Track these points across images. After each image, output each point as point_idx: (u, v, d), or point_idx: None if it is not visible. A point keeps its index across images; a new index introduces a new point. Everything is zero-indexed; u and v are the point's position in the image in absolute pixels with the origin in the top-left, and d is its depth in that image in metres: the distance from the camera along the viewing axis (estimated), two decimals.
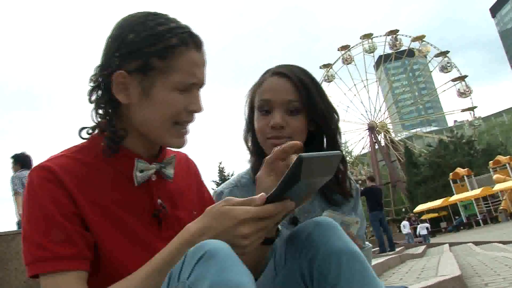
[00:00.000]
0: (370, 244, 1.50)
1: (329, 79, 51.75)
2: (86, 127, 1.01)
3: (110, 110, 0.98)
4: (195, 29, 0.98)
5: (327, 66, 52.72)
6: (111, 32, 0.99)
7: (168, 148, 1.11)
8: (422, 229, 22.69)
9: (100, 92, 0.99)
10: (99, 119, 1.00)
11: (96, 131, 1.01)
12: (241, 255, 0.82)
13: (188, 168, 1.20)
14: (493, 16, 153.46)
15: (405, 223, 22.34)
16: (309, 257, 0.95)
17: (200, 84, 1.01)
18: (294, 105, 1.29)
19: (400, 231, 29.62)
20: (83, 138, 1.01)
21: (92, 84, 0.99)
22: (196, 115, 1.03)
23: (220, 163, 41.48)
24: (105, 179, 0.97)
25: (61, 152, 0.99)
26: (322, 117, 1.32)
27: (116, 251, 0.93)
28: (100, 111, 0.99)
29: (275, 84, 1.31)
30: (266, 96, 1.31)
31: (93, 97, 0.99)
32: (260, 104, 1.32)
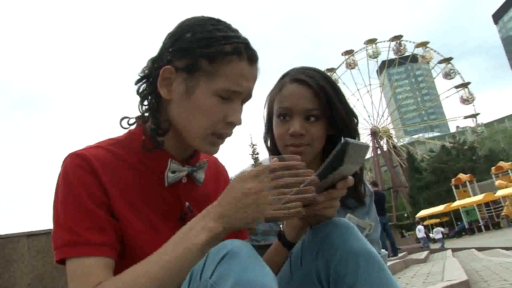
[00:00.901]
0: (385, 251, 1.50)
1: None
2: (127, 117, 1.02)
3: (154, 103, 0.99)
4: (254, 44, 0.98)
5: (330, 70, 52.72)
6: (172, 29, 1.01)
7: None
8: (437, 233, 22.86)
9: (146, 84, 1.00)
10: (143, 111, 1.01)
11: (134, 126, 1.02)
12: (259, 221, 0.85)
13: (218, 173, 1.18)
14: (496, 22, 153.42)
15: (420, 227, 22.60)
16: (326, 258, 0.95)
17: (245, 96, 1.00)
18: (314, 113, 1.28)
19: (403, 236, 29.56)
20: (123, 128, 1.02)
21: (141, 74, 1.01)
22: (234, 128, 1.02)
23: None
24: (137, 175, 0.97)
25: (97, 143, 0.99)
26: (342, 123, 1.31)
27: (142, 245, 0.93)
28: (146, 103, 1.01)
29: (295, 92, 1.30)
30: (285, 103, 1.30)
31: (140, 88, 1.01)
32: (279, 111, 1.32)
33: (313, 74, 1.32)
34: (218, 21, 1.00)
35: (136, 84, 1.01)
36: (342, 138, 0.83)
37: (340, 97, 1.33)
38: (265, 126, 1.41)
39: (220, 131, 0.98)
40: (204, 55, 0.93)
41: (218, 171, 1.19)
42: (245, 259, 0.75)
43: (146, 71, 1.00)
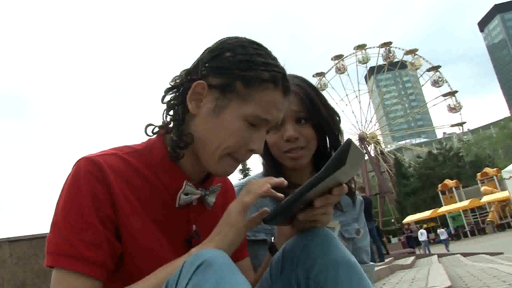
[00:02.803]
0: (373, 263, 1.51)
1: (321, 88, 51.99)
2: (152, 125, 1.01)
3: (180, 114, 0.97)
4: (289, 76, 1.02)
5: (320, 74, 53.10)
6: (212, 44, 1.00)
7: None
8: (442, 234, 23.35)
9: (176, 95, 0.99)
10: (167, 121, 1.00)
11: (155, 137, 1.01)
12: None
13: (226, 193, 1.16)
14: (481, 30, 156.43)
15: (422, 231, 23.43)
16: (306, 267, 0.95)
17: (271, 125, 0.99)
18: (301, 115, 1.34)
19: (390, 241, 29.93)
20: (148, 135, 1.01)
21: (172, 83, 1.01)
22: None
23: None
24: (150, 190, 0.96)
25: (113, 149, 0.97)
26: (326, 123, 1.37)
27: (144, 261, 0.91)
28: (171, 113, 0.99)
29: None
30: None
31: (168, 98, 1.00)
32: None
33: (295, 81, 1.38)
34: (260, 45, 0.99)
35: (165, 92, 1.00)
36: (348, 138, 0.85)
37: (321, 99, 1.39)
38: None
39: (239, 156, 0.97)
40: (240, 78, 0.93)
41: (226, 189, 1.17)
42: (220, 269, 0.75)
43: (177, 81, 0.99)
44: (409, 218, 38.28)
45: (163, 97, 1.01)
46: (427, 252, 19.49)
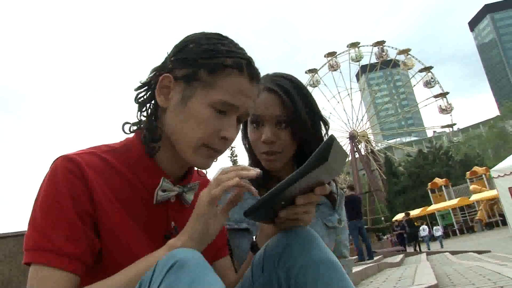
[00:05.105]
0: (350, 257, 1.54)
1: (314, 84, 52.16)
2: (129, 123, 1.02)
3: (151, 110, 1.00)
4: (257, 64, 1.01)
5: (312, 71, 53.15)
6: (179, 41, 1.02)
7: (195, 169, 1.10)
8: (437, 231, 23.57)
9: (146, 92, 1.01)
10: (142, 118, 1.01)
11: (133, 135, 1.01)
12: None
13: None
14: (472, 30, 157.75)
15: (424, 227, 23.72)
16: (287, 267, 0.95)
17: (241, 112, 0.98)
18: (283, 119, 1.33)
19: (380, 239, 30.22)
20: (125, 133, 1.01)
21: (142, 81, 1.02)
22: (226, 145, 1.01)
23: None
24: (128, 188, 0.96)
25: (91, 148, 0.97)
26: (306, 130, 1.34)
27: (124, 258, 0.91)
28: (144, 110, 1.01)
29: (264, 100, 1.33)
30: (257, 111, 1.33)
31: (140, 95, 1.02)
32: (252, 119, 1.36)
33: (283, 82, 1.35)
34: (224, 37, 1.00)
35: (136, 90, 1.01)
36: (331, 134, 0.84)
37: (307, 104, 1.36)
38: (242, 132, 1.46)
39: (213, 146, 0.97)
40: (204, 66, 0.93)
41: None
42: (193, 269, 0.74)
43: (148, 79, 1.01)
44: (399, 216, 38.55)
45: (136, 96, 1.02)
46: (428, 249, 19.60)
